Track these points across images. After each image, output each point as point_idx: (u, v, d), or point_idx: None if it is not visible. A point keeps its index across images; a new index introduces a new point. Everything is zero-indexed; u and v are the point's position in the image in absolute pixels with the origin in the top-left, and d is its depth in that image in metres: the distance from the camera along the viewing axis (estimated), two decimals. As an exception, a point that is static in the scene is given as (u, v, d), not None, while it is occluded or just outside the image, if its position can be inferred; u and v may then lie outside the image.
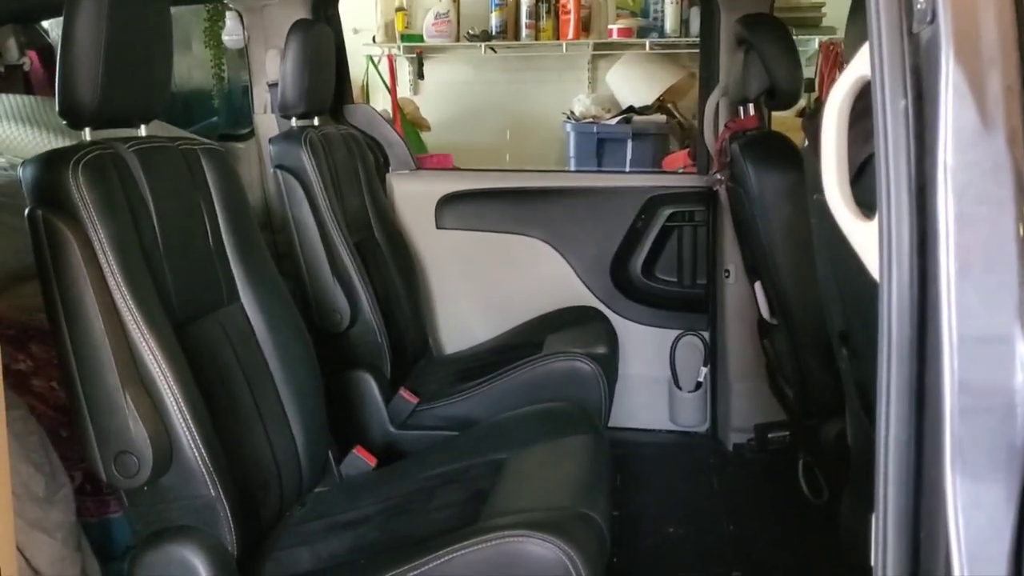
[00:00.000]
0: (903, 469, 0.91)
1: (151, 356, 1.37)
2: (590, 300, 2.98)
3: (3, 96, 2.72)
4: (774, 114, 2.76)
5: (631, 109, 4.47)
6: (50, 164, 1.37)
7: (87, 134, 1.48)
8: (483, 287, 3.03)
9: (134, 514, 1.44)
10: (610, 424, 3.04)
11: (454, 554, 1.33)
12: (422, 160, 4.67)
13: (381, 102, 4.76)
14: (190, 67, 3.50)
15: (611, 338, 2.66)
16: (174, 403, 1.38)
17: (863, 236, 0.97)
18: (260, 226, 2.46)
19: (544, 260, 3.00)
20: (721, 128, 2.71)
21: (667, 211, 2.93)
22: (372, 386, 2.30)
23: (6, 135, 2.54)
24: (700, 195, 2.91)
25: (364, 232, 2.62)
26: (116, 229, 1.38)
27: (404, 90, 4.93)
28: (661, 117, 4.43)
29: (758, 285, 2.53)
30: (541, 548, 1.30)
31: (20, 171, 1.39)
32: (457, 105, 4.94)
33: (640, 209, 2.94)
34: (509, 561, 1.32)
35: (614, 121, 4.34)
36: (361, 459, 1.93)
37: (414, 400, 2.33)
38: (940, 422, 0.84)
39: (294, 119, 2.44)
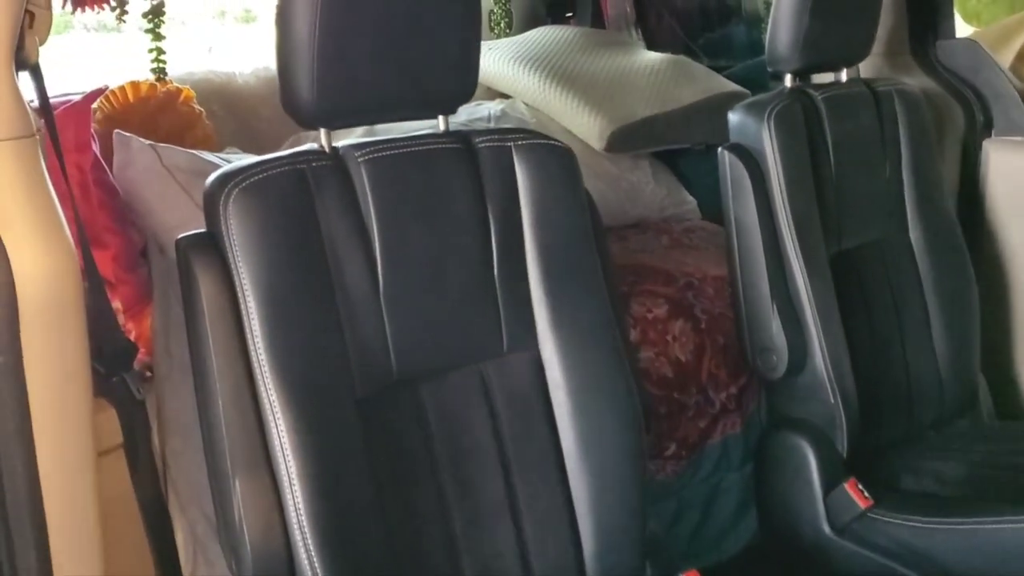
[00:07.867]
0: None
1: (278, 441, 1.06)
2: None
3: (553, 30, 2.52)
4: None
5: None
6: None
7: (323, 137, 1.18)
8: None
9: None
10: None
11: None
12: None
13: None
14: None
15: None
16: (292, 498, 1.06)
17: None
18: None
19: None
20: None
21: None
22: (808, 461, 1.63)
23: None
24: None
25: (876, 231, 1.82)
26: (269, 269, 1.07)
27: None
28: None
29: None
30: None
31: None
32: None
33: None
34: None
35: None
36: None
37: (863, 503, 1.58)
38: None
39: (787, 76, 1.76)
